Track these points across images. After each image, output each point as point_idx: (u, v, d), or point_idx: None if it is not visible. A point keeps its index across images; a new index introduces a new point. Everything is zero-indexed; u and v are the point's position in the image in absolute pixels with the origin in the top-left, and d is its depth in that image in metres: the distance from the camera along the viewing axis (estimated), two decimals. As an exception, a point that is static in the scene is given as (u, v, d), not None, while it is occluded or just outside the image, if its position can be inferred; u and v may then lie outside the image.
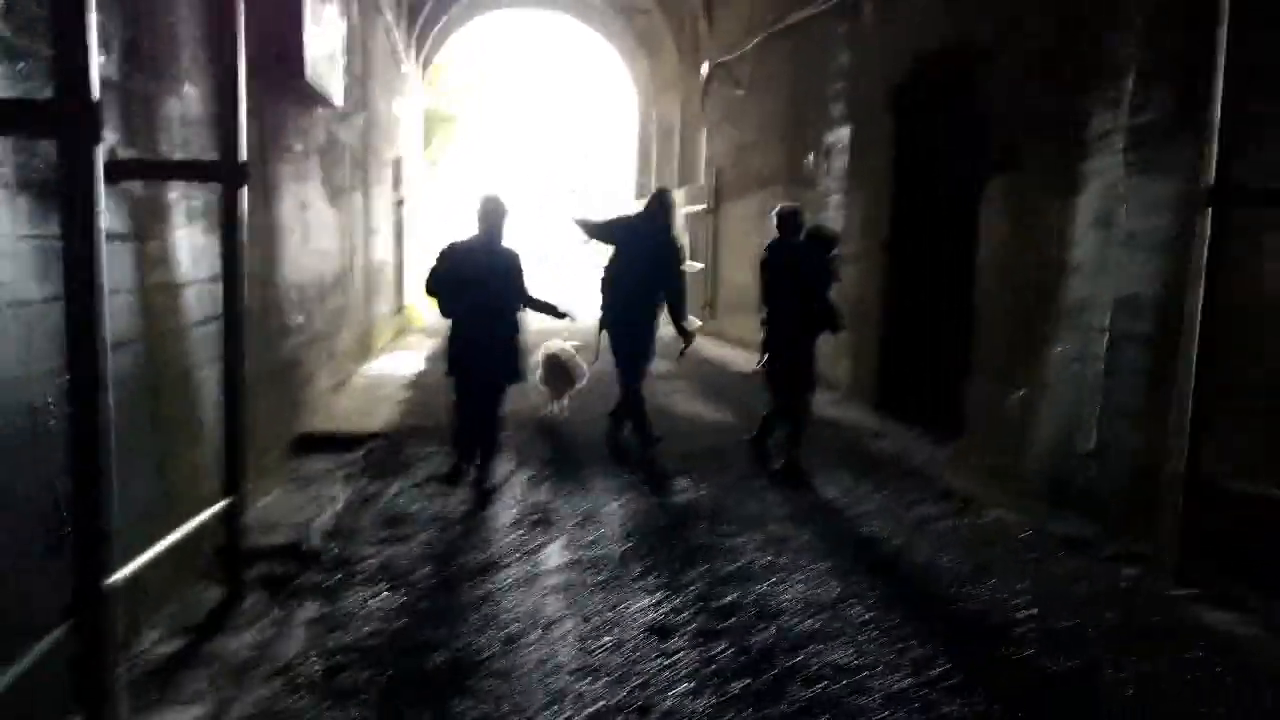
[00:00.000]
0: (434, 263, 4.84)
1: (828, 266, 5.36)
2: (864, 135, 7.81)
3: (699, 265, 10.51)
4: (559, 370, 6.43)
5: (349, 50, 7.27)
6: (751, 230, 10.10)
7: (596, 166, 22.67)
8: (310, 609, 3.27)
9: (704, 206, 12.69)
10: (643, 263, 5.66)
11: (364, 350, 8.85)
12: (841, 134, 8.24)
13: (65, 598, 2.17)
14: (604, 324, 5.80)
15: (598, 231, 5.98)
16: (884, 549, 4.06)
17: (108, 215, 2.42)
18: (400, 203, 11.57)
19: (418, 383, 8.09)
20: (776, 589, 3.54)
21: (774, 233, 5.52)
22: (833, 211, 8.32)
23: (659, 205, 5.85)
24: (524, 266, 4.93)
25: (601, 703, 2.64)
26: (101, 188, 2.09)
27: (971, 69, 6.04)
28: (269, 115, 4.96)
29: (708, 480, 5.14)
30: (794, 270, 5.29)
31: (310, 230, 6.15)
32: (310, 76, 5.51)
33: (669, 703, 2.66)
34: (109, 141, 2.87)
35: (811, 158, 8.95)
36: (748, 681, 2.79)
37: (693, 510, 4.58)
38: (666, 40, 14.85)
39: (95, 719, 2.09)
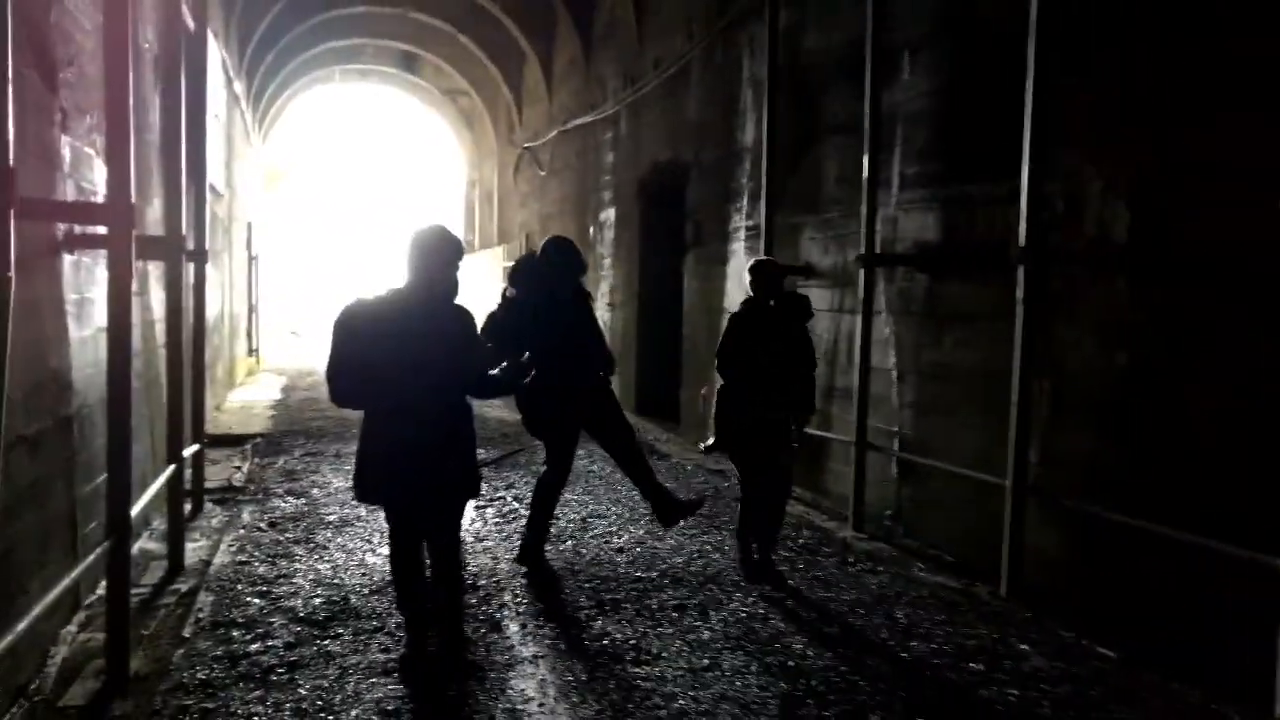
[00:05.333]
0: (336, 335, 3.27)
1: (809, 345, 4.71)
2: (623, 215, 10.98)
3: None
4: None
5: (224, 144, 9.69)
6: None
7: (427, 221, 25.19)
8: (249, 508, 5.78)
9: (518, 262, 15.62)
10: (573, 331, 4.59)
11: (230, 381, 11.04)
12: (610, 213, 11.40)
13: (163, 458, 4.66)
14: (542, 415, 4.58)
15: (505, 323, 4.52)
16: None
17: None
18: (252, 259, 13.75)
19: (279, 404, 10.43)
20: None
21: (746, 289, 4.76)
22: (606, 271, 11.42)
23: (558, 255, 4.67)
24: (477, 331, 3.59)
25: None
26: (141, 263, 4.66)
27: (683, 176, 9.29)
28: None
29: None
30: (774, 337, 4.48)
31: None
32: (209, 179, 7.98)
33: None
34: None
35: (592, 229, 12.06)
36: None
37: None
38: (486, 120, 17.81)
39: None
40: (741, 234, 7.87)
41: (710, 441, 4.65)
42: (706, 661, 3.48)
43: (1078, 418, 4.35)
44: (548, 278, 4.63)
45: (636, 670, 3.39)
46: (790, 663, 3.48)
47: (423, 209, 25.27)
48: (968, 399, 5.08)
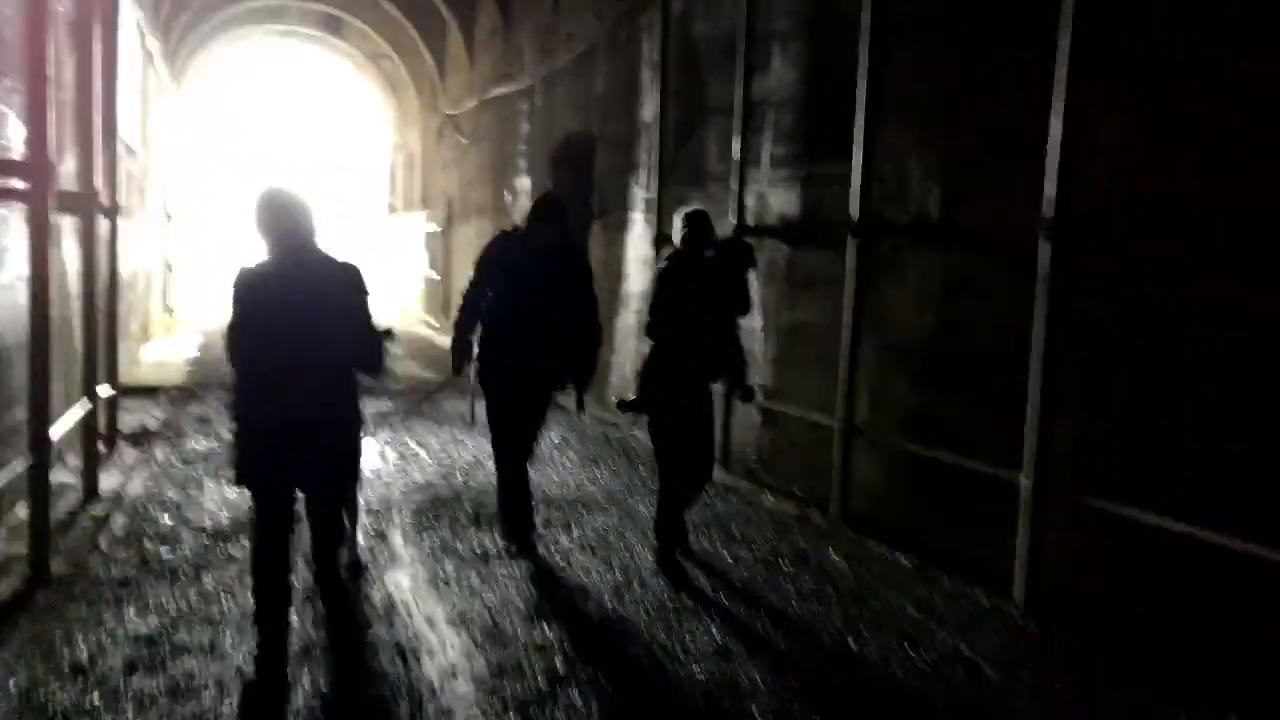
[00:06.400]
0: (232, 308, 3.09)
1: (745, 291, 4.41)
2: (537, 183, 11.47)
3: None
4: None
5: (139, 103, 9.85)
6: (473, 247, 13.52)
7: (352, 183, 25.13)
8: (161, 449, 6.21)
9: (439, 228, 15.96)
10: (541, 291, 4.32)
11: (145, 337, 11.25)
12: (525, 181, 11.89)
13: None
14: (486, 375, 4.40)
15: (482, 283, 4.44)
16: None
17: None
18: (168, 218, 13.82)
19: (195, 360, 10.73)
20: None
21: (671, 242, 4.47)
22: (520, 237, 11.94)
23: (551, 210, 4.49)
24: (367, 287, 3.21)
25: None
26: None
27: (591, 149, 9.84)
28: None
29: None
30: (701, 288, 4.20)
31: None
32: (121, 138, 8.23)
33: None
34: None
35: (509, 196, 12.53)
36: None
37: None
38: (410, 86, 17.98)
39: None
40: (640, 205, 8.48)
41: (631, 398, 4.31)
42: (562, 562, 4.14)
43: (899, 367, 5.10)
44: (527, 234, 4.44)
45: (499, 570, 4.02)
46: (631, 562, 4.17)
47: (349, 170, 25.20)
48: (816, 354, 5.80)
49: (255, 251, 3.16)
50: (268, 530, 3.09)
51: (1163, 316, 3.56)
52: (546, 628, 3.37)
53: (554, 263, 4.38)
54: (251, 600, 3.09)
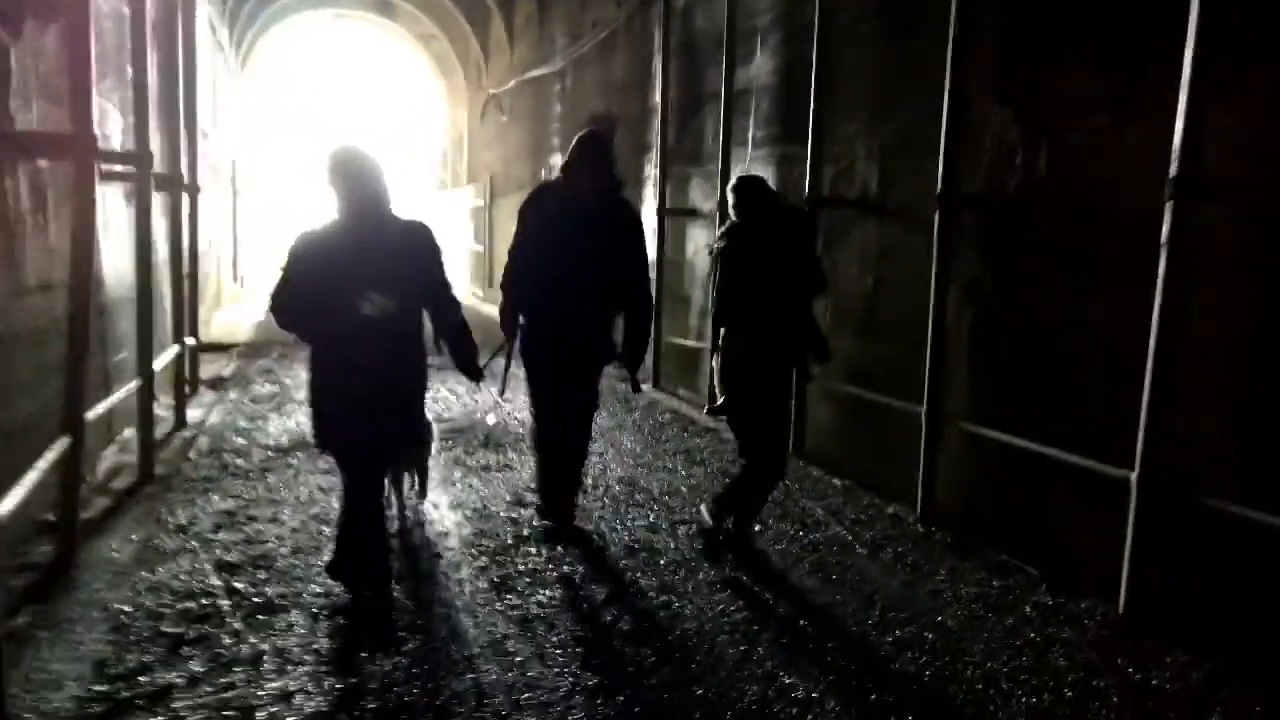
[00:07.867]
0: (288, 260, 3.22)
1: (816, 265, 4.13)
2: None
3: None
4: None
5: (209, 90, 11.11)
6: (513, 219, 14.62)
7: (405, 160, 26.44)
8: (235, 391, 7.44)
9: (483, 203, 17.09)
10: (586, 254, 3.89)
11: (218, 302, 12.65)
12: (556, 159, 12.88)
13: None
14: (527, 348, 4.07)
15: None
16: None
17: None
18: (235, 194, 15.21)
19: (261, 323, 12.04)
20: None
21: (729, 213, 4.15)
22: (552, 210, 12.99)
23: (595, 153, 4.05)
24: (439, 245, 3.33)
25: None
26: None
27: (611, 128, 10.78)
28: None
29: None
30: (772, 266, 3.89)
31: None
32: (201, 125, 9.45)
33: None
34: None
35: (543, 173, 13.55)
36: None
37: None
38: (457, 66, 19.08)
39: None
40: (652, 181, 9.43)
41: (720, 403, 4.02)
42: (546, 474, 5.19)
43: (846, 324, 6.00)
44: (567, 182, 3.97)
45: (495, 476, 5.10)
46: (604, 473, 5.20)
47: (402, 147, 26.48)
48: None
49: (321, 214, 3.24)
50: (356, 492, 3.28)
51: (1026, 278, 4.41)
52: (522, 511, 4.44)
53: (599, 220, 3.90)
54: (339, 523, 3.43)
